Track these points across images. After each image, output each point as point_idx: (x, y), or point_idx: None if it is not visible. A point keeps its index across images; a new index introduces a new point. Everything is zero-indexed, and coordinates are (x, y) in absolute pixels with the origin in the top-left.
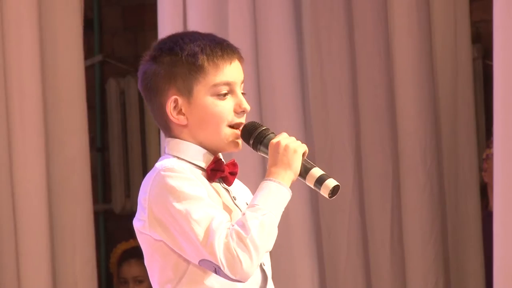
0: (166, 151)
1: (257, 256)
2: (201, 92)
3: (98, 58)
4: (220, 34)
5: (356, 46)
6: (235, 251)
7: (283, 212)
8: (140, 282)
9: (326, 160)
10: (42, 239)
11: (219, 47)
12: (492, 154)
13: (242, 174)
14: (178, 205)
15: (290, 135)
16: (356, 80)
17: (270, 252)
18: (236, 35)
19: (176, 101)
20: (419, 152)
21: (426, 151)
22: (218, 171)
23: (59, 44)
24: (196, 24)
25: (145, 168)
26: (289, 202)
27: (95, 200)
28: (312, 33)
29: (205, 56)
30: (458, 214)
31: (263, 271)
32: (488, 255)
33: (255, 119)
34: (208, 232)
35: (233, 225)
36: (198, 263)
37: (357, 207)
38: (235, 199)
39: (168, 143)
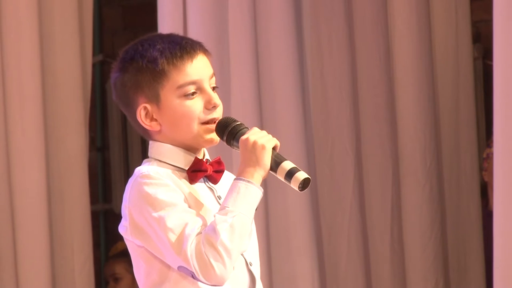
0: (149, 154)
1: (230, 259)
2: (168, 95)
3: (98, 58)
4: (220, 34)
5: (356, 46)
6: (207, 257)
7: (283, 211)
8: (116, 279)
9: (326, 160)
10: (41, 239)
11: (177, 47)
12: (492, 154)
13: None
14: (153, 213)
15: (290, 135)
16: (356, 80)
17: (270, 252)
18: (236, 35)
19: (145, 108)
20: (419, 152)
21: (426, 151)
22: (200, 172)
23: (58, 43)
24: (196, 24)
25: None
26: (289, 202)
27: (95, 200)
28: (312, 33)
29: (164, 60)
30: (458, 214)
31: (250, 272)
32: (488, 255)
33: (255, 119)
34: (182, 239)
35: (205, 230)
36: (178, 269)
37: (357, 207)
38: (220, 198)
39: (150, 146)
